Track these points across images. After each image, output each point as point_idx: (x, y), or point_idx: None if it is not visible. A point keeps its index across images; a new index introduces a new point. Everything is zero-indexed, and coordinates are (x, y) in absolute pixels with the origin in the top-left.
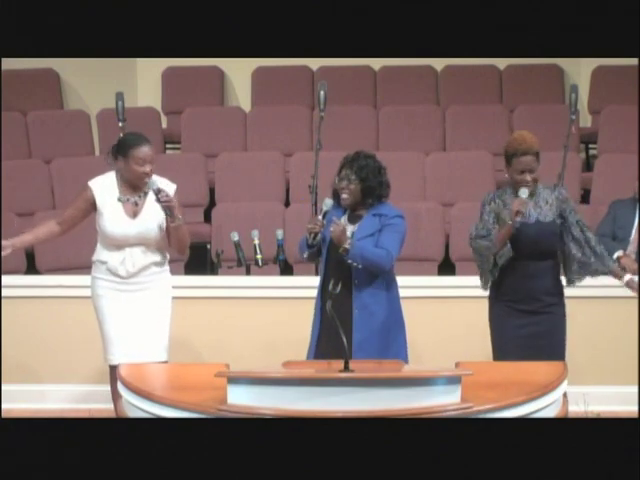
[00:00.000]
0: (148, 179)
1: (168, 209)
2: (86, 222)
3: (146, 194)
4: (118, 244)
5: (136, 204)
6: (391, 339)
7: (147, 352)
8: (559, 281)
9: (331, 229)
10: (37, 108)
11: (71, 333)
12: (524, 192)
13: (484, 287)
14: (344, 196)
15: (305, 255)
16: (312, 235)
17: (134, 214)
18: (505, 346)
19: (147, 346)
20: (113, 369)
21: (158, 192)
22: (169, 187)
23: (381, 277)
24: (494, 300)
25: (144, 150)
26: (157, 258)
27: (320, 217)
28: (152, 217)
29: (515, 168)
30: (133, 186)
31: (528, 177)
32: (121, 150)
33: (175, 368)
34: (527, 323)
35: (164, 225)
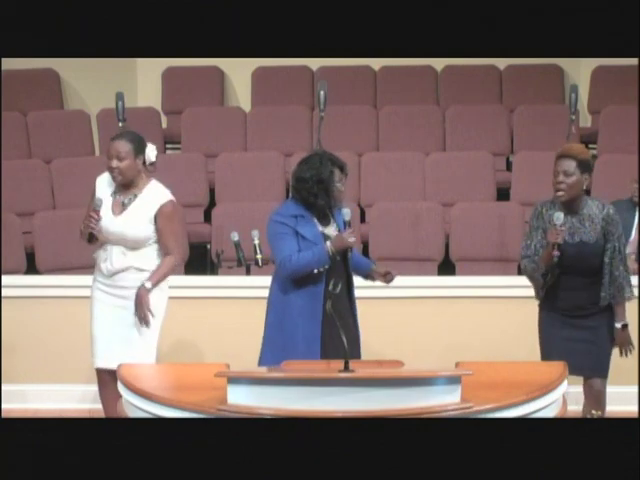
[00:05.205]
0: (116, 174)
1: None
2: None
3: (136, 196)
4: (103, 240)
5: (123, 203)
6: None
7: (130, 360)
8: None
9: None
10: (37, 108)
11: (71, 333)
12: (559, 217)
13: (538, 299)
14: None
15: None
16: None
17: (119, 212)
18: (552, 354)
19: (130, 354)
20: (99, 372)
21: (97, 206)
22: (158, 198)
23: None
24: (543, 307)
25: (112, 145)
26: (138, 263)
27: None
28: (134, 219)
29: (554, 170)
30: (125, 184)
31: (561, 177)
32: None
33: (175, 368)
34: (575, 331)
35: (149, 232)
